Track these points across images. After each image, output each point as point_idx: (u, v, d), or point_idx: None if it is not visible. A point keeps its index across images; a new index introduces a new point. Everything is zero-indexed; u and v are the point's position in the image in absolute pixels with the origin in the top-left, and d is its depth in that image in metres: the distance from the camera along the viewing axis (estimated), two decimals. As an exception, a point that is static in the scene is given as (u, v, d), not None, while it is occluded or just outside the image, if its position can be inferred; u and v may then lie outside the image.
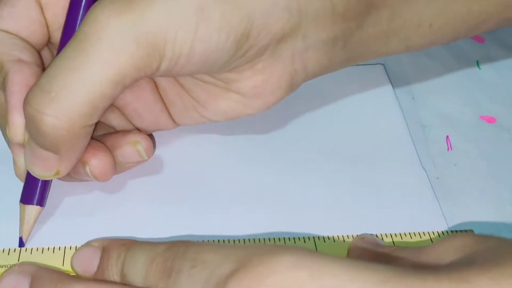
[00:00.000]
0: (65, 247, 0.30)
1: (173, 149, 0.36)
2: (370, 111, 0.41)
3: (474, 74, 0.45)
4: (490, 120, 0.42)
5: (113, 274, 0.28)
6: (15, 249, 0.29)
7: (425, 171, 0.37)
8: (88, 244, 0.28)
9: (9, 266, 0.28)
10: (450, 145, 0.39)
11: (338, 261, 0.23)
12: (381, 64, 0.44)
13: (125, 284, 0.27)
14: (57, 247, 0.30)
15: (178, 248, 0.27)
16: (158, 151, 0.36)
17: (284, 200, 0.34)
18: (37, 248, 0.29)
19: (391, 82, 0.43)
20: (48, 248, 0.29)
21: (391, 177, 0.36)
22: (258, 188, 0.35)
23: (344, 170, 0.36)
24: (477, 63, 0.45)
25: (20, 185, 0.31)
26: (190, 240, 0.27)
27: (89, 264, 0.28)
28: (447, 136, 0.40)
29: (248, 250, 0.25)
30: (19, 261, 0.29)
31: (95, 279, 0.28)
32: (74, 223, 0.31)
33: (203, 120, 0.34)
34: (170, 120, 0.35)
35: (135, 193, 0.33)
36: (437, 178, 0.37)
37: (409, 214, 0.34)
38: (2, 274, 0.27)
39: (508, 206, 0.36)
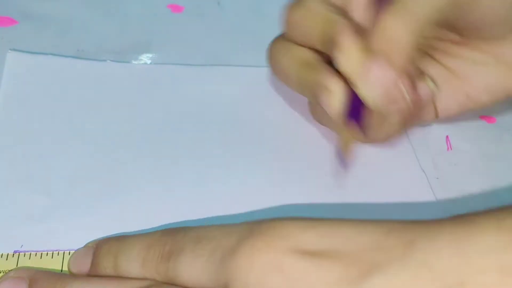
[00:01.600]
0: (64, 253, 0.29)
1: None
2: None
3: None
4: (490, 120, 0.42)
5: (105, 267, 0.28)
6: (13, 254, 0.29)
7: (425, 171, 0.37)
8: (85, 245, 0.29)
9: (7, 271, 0.28)
10: (450, 145, 0.39)
11: (343, 221, 0.24)
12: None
13: (120, 277, 0.27)
14: (55, 252, 0.29)
15: (177, 232, 0.27)
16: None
17: (279, 200, 0.34)
18: (36, 254, 0.29)
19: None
20: (47, 254, 0.29)
21: (391, 177, 0.36)
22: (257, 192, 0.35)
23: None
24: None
25: (14, 193, 0.31)
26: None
27: (83, 263, 0.28)
28: (447, 136, 0.40)
29: (253, 223, 0.25)
30: (17, 266, 0.29)
31: (89, 275, 0.28)
32: (74, 227, 0.31)
33: (469, 105, 0.35)
34: (433, 111, 0.36)
35: (135, 195, 0.33)
36: (437, 178, 0.37)
37: (409, 215, 0.34)
38: None
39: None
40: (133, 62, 0.41)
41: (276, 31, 0.45)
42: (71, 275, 0.28)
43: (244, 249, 0.23)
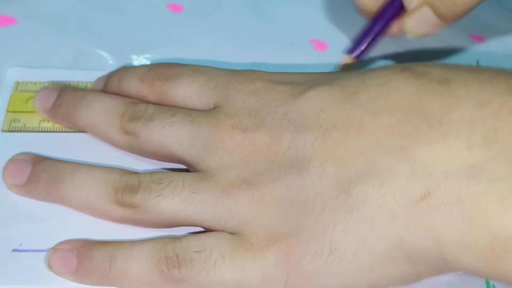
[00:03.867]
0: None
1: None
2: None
3: (474, 74, 0.45)
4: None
5: (112, 83, 0.34)
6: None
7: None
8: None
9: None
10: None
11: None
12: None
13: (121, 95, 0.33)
14: None
15: (175, 63, 0.34)
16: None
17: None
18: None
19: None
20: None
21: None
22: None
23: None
24: (477, 63, 0.45)
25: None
26: None
27: (99, 82, 0.36)
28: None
29: (234, 70, 0.33)
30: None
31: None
32: (73, 226, 0.31)
33: None
34: None
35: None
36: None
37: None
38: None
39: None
40: (133, 62, 0.41)
41: (276, 31, 0.45)
42: (89, 90, 0.35)
43: (234, 82, 0.31)
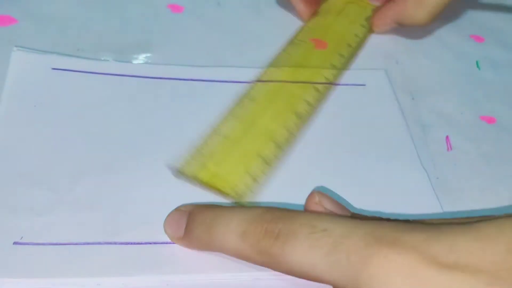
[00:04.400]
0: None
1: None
2: (370, 112, 0.41)
3: (474, 74, 0.45)
4: (490, 120, 0.42)
5: (198, 236, 0.28)
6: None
7: (426, 171, 0.37)
8: (177, 208, 0.30)
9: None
10: (450, 145, 0.39)
11: (462, 232, 0.24)
12: (382, 69, 0.44)
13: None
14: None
15: (283, 213, 0.27)
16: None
17: (281, 199, 0.34)
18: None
19: (390, 83, 0.43)
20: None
21: (391, 177, 0.36)
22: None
23: (344, 171, 0.36)
24: (477, 63, 0.45)
25: (15, 186, 0.31)
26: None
27: (178, 227, 0.29)
28: (447, 136, 0.40)
29: (371, 223, 0.25)
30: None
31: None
32: (74, 220, 0.31)
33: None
34: None
35: (134, 192, 0.33)
36: (437, 178, 0.37)
37: (410, 215, 0.34)
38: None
39: (508, 206, 0.36)
40: (133, 61, 0.41)
41: (276, 30, 0.45)
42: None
43: (378, 259, 0.23)
